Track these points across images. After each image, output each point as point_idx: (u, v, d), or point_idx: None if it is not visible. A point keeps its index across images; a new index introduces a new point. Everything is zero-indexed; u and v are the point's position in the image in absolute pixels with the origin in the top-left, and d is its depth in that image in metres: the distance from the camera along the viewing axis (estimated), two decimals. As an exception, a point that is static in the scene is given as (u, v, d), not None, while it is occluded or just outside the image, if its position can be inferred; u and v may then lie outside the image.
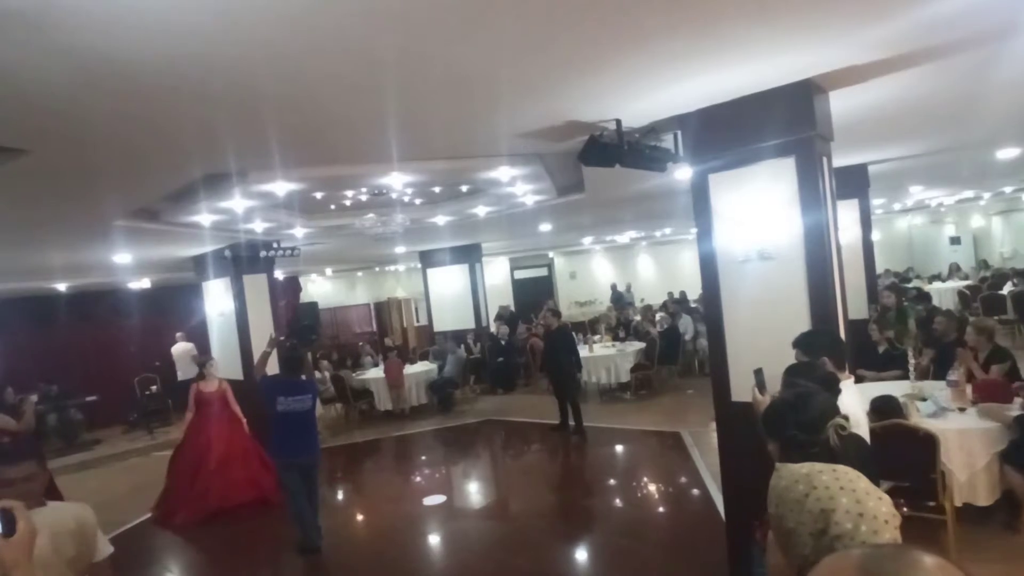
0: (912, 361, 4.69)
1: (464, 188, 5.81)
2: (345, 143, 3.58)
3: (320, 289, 16.58)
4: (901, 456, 3.39)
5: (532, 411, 8.70)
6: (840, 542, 0.93)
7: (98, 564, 1.95)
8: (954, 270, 13.77)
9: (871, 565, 0.66)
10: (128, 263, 7.50)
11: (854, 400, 2.38)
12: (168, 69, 2.20)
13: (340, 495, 6.35)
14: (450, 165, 4.40)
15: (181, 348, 10.29)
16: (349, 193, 5.27)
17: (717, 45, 2.53)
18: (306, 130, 3.21)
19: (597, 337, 9.96)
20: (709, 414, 3.75)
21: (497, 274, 16.56)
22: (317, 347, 10.96)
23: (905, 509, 1.07)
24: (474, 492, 6.22)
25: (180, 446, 6.08)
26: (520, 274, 17.84)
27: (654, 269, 18.26)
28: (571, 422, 7.31)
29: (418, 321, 16.32)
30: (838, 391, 1.83)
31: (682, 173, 4.27)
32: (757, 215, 3.24)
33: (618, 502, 5.42)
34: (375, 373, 9.51)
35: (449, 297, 11.38)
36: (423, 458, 7.49)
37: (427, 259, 11.54)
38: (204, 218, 5.09)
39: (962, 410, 3.93)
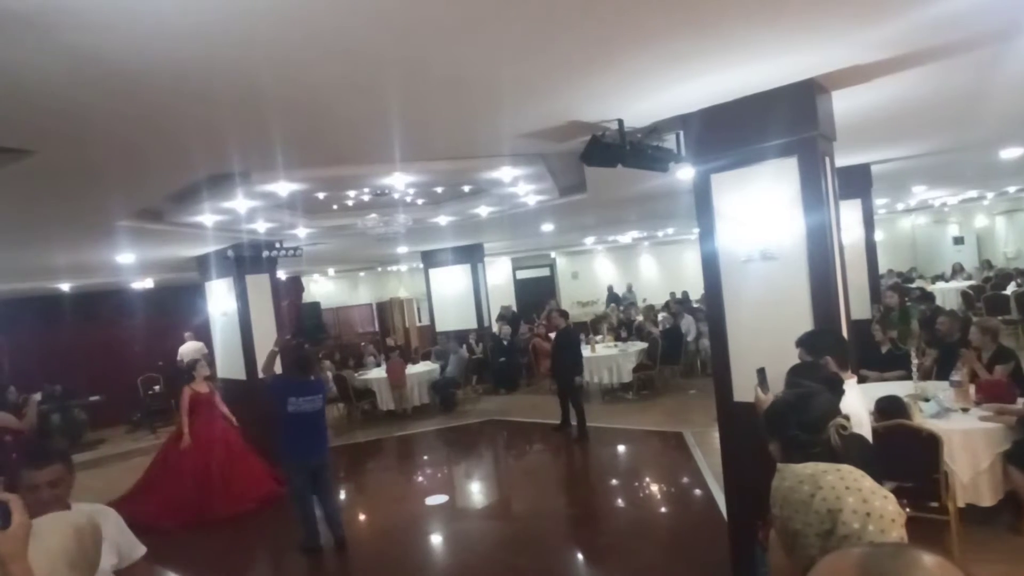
0: (915, 361, 4.68)
1: (466, 188, 5.82)
2: (347, 143, 3.59)
3: (322, 289, 16.61)
4: (904, 456, 3.38)
5: (534, 411, 8.70)
6: (848, 542, 0.93)
7: (134, 566, 1.95)
8: (957, 270, 13.73)
9: (870, 564, 0.66)
10: (131, 263, 7.52)
11: (856, 400, 2.38)
12: (171, 70, 2.21)
13: (342, 495, 6.35)
14: (452, 165, 4.40)
15: (191, 347, 10.25)
16: (352, 193, 5.28)
17: (720, 45, 2.52)
18: (308, 131, 3.22)
19: (599, 337, 9.96)
20: (711, 414, 3.75)
21: (499, 274, 16.56)
22: (323, 347, 10.99)
23: (908, 509, 1.06)
24: (476, 492, 6.23)
25: (172, 447, 6.00)
26: (522, 274, 17.85)
27: (656, 269, 18.24)
28: (573, 422, 7.31)
29: (420, 321, 16.34)
30: (842, 391, 1.82)
31: (684, 173, 4.27)
32: (759, 215, 3.24)
33: (620, 502, 5.42)
34: (377, 373, 9.53)
35: (451, 297, 11.39)
36: (425, 458, 7.49)
37: (429, 259, 11.55)
38: (207, 218, 5.10)
39: (965, 410, 3.92)
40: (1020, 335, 9.56)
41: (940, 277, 13.84)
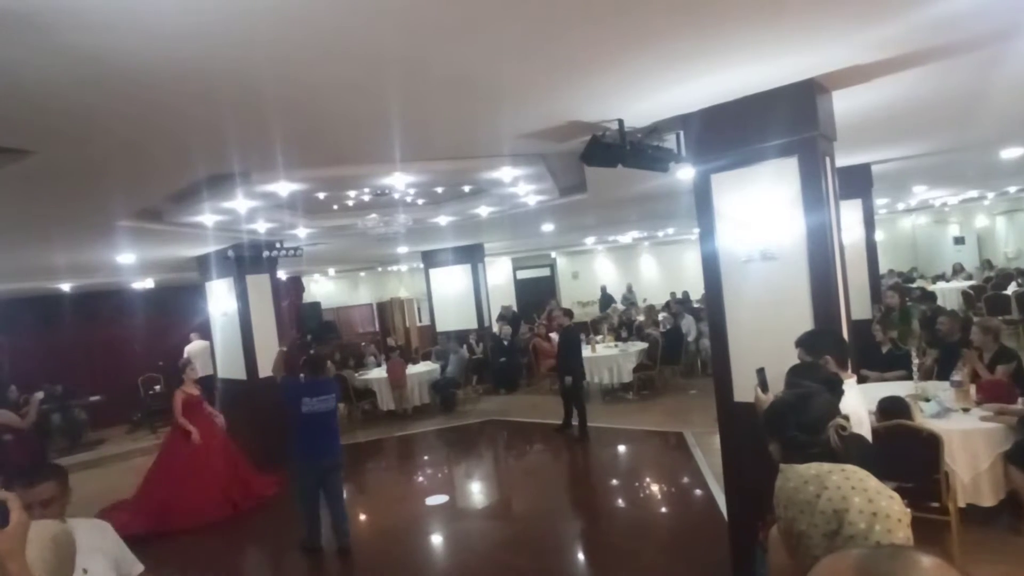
0: (916, 361, 4.67)
1: (466, 188, 5.82)
2: (348, 144, 3.59)
3: (323, 289, 16.61)
4: (904, 456, 3.38)
5: (534, 411, 8.70)
6: (854, 542, 0.93)
7: None
8: (958, 270, 13.73)
9: (869, 565, 0.66)
10: (132, 263, 7.53)
11: (856, 400, 2.38)
12: (171, 70, 2.21)
13: (343, 495, 6.35)
14: (452, 165, 4.40)
15: (197, 346, 10.19)
16: (352, 193, 5.28)
17: (720, 45, 2.52)
18: (309, 131, 3.22)
19: (599, 337, 9.95)
20: (712, 414, 3.75)
21: (499, 274, 16.56)
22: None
23: (908, 510, 1.06)
24: (476, 492, 6.22)
25: (169, 453, 5.96)
26: (522, 274, 17.85)
27: (657, 269, 18.23)
28: (574, 422, 7.31)
29: (421, 321, 16.34)
30: (841, 392, 1.82)
31: (685, 173, 4.26)
32: (760, 215, 3.24)
33: (621, 502, 5.41)
34: (378, 373, 9.53)
35: (452, 297, 11.39)
36: (425, 458, 7.49)
37: (429, 259, 11.56)
38: (207, 218, 5.10)
39: (966, 410, 3.92)
40: (1021, 335, 9.55)
41: (941, 277, 13.83)
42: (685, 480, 5.57)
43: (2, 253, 5.86)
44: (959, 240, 16.26)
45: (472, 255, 11.14)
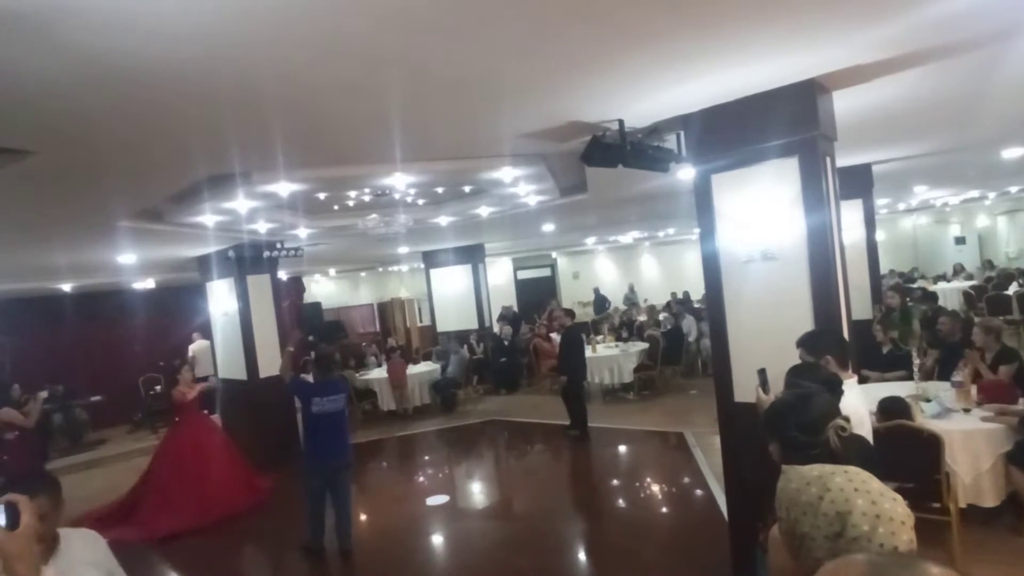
0: (916, 362, 4.67)
1: (467, 189, 5.82)
2: (348, 144, 3.59)
3: (324, 289, 16.62)
4: (905, 457, 3.37)
5: (535, 411, 8.70)
6: (857, 544, 0.92)
7: None
8: (958, 270, 13.71)
9: (879, 573, 0.66)
10: (133, 263, 7.53)
11: (857, 400, 2.37)
12: (172, 70, 2.21)
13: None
14: (453, 166, 4.40)
15: (200, 346, 10.18)
16: (352, 194, 5.28)
17: (720, 45, 2.52)
18: (309, 131, 3.22)
19: (600, 337, 9.95)
20: (712, 415, 3.74)
21: (500, 274, 16.56)
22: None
23: (912, 513, 1.06)
24: (477, 492, 6.22)
25: (165, 455, 5.95)
26: (523, 274, 17.85)
27: (657, 269, 18.23)
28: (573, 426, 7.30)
29: (421, 321, 16.34)
30: (841, 392, 1.82)
31: (685, 173, 4.26)
32: (760, 215, 3.24)
33: (621, 503, 5.41)
34: (378, 373, 9.53)
35: (452, 297, 11.40)
36: (426, 458, 7.49)
37: (430, 259, 11.56)
38: (208, 219, 5.10)
39: (967, 411, 3.91)
40: (1022, 335, 9.54)
41: (942, 277, 13.82)
42: (685, 480, 5.56)
43: (3, 253, 5.87)
44: (960, 240, 16.25)
45: (473, 255, 11.14)
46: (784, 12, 2.26)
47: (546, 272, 18.26)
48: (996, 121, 4.89)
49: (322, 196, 5.24)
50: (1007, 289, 10.91)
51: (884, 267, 10.22)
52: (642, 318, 11.70)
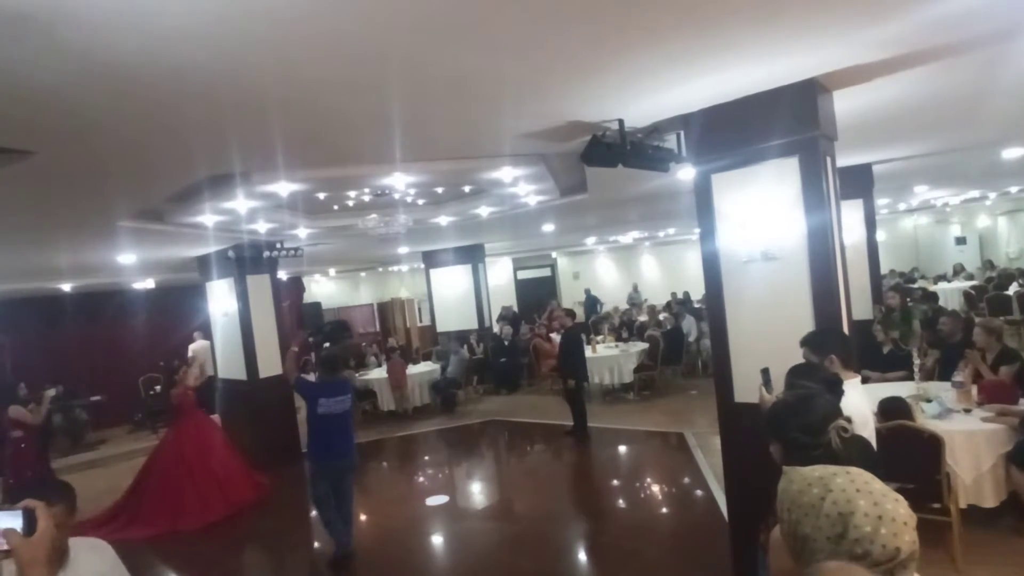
0: (917, 362, 4.67)
1: (467, 189, 5.81)
2: (348, 144, 3.59)
3: (324, 289, 16.62)
4: (906, 457, 3.37)
5: (535, 412, 8.70)
6: (860, 545, 0.92)
7: None
8: (959, 270, 13.71)
9: None
10: (133, 264, 7.53)
11: (861, 400, 2.37)
12: (173, 71, 2.21)
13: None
14: (453, 166, 4.40)
15: (200, 346, 10.20)
16: (352, 194, 5.27)
17: (721, 45, 2.52)
18: (309, 131, 3.22)
19: (600, 337, 9.95)
20: (712, 415, 3.74)
21: (500, 274, 16.56)
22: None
23: (914, 514, 1.04)
24: (477, 493, 6.22)
25: (166, 454, 5.94)
26: (523, 274, 17.85)
27: (658, 269, 18.23)
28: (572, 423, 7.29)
29: (421, 321, 16.34)
30: (841, 392, 1.82)
31: (685, 173, 4.26)
32: (760, 215, 3.23)
33: (621, 503, 5.41)
34: (378, 373, 9.53)
35: (452, 297, 11.39)
36: (426, 458, 7.49)
37: (430, 259, 11.56)
38: (208, 219, 5.10)
39: (967, 411, 3.91)
40: (1022, 335, 9.53)
41: (942, 277, 13.82)
42: (686, 481, 5.56)
43: (3, 253, 5.87)
44: (961, 240, 16.24)
45: (473, 255, 11.14)
46: (784, 12, 2.26)
47: (546, 272, 18.26)
48: (996, 121, 4.89)
49: (322, 196, 5.24)
50: (1007, 289, 10.90)
51: (884, 267, 10.22)
52: (642, 318, 11.69)
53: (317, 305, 15.59)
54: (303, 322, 13.54)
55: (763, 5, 2.19)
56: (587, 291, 16.37)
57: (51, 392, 7.01)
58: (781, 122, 3.11)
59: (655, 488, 5.63)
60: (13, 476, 6.28)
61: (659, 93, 3.07)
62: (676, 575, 3.92)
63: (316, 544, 5.19)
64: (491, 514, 5.45)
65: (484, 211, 6.62)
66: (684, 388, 9.19)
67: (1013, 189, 12.47)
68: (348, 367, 9.87)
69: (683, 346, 9.66)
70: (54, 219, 4.64)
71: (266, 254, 6.60)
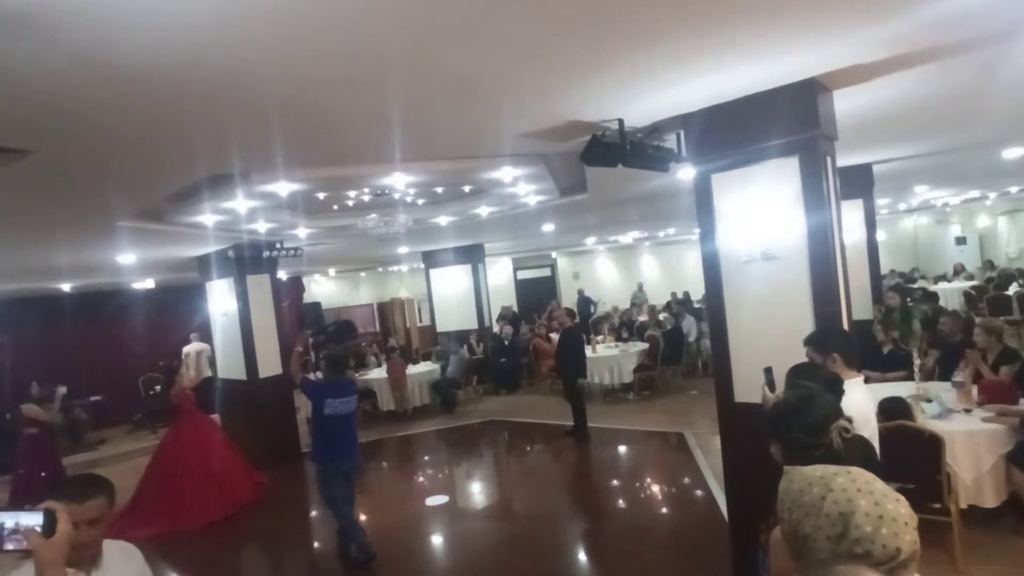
0: (917, 362, 4.66)
1: (467, 188, 5.81)
2: (348, 144, 3.58)
3: (323, 289, 16.62)
4: (906, 458, 3.36)
5: (535, 412, 8.69)
6: (860, 545, 0.92)
7: None
8: (959, 270, 13.71)
9: None
10: (132, 263, 7.53)
11: (864, 399, 2.37)
12: (173, 70, 2.20)
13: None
14: (453, 165, 4.39)
15: (195, 347, 10.21)
16: (352, 193, 5.27)
17: (721, 45, 2.51)
18: (310, 131, 3.22)
19: (600, 337, 9.95)
20: (712, 415, 3.73)
21: (500, 274, 16.56)
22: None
23: (915, 514, 1.04)
24: (477, 493, 6.22)
25: (167, 453, 5.94)
26: (523, 274, 17.85)
27: (658, 269, 18.23)
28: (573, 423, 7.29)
29: (421, 321, 16.34)
30: (841, 392, 1.81)
31: (685, 173, 4.26)
32: (760, 215, 3.23)
33: (621, 503, 5.40)
34: (378, 373, 9.52)
35: (452, 297, 11.39)
36: (426, 458, 7.48)
37: (430, 259, 11.56)
38: (208, 218, 5.10)
39: (968, 411, 3.90)
40: (1022, 335, 9.53)
41: (942, 277, 13.82)
42: (686, 481, 5.55)
43: (3, 253, 5.87)
44: (961, 240, 16.24)
45: (473, 255, 11.14)
46: (784, 11, 2.25)
47: (546, 272, 18.26)
48: (996, 121, 4.89)
49: (322, 196, 5.24)
50: (1007, 289, 10.90)
51: (885, 267, 10.21)
52: (642, 318, 11.69)
53: (317, 305, 15.59)
54: (304, 322, 13.54)
55: (763, 5, 2.19)
56: (580, 291, 16.37)
57: (63, 390, 7.07)
58: (781, 122, 3.10)
59: (655, 488, 5.63)
60: (28, 472, 6.35)
61: (659, 93, 3.07)
62: (676, 575, 3.91)
63: (316, 544, 5.21)
64: (491, 514, 5.45)
65: (484, 211, 6.62)
66: (684, 388, 9.19)
67: (1013, 189, 12.47)
68: (349, 367, 9.87)
69: (683, 346, 9.66)
70: (53, 219, 4.64)
71: (266, 254, 6.60)
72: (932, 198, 12.85)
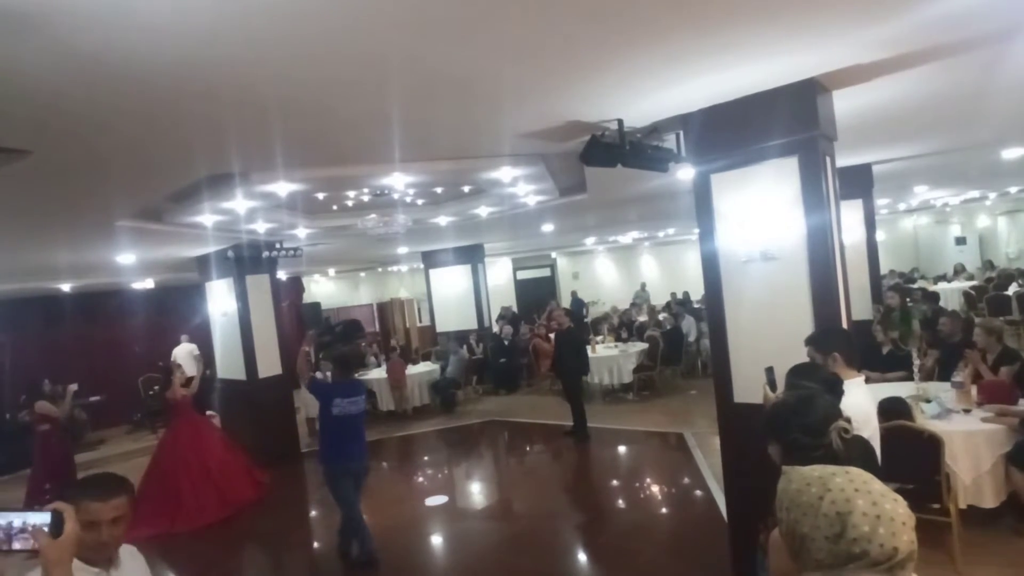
0: (917, 362, 4.66)
1: (466, 189, 5.81)
2: (348, 144, 3.58)
3: (323, 290, 16.61)
4: (905, 458, 3.36)
5: (535, 412, 8.69)
6: (858, 545, 0.92)
7: None
8: (959, 271, 13.71)
9: None
10: (132, 263, 7.53)
11: (864, 398, 2.37)
12: (173, 70, 2.20)
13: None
14: (452, 166, 4.39)
15: (184, 349, 10.24)
16: (351, 194, 5.27)
17: (721, 45, 2.51)
18: (309, 131, 3.22)
19: (600, 338, 9.95)
20: (712, 415, 3.74)
21: (500, 274, 16.57)
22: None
23: (913, 514, 1.04)
24: (476, 493, 6.22)
25: (165, 455, 5.93)
26: (523, 274, 17.85)
27: (657, 270, 18.23)
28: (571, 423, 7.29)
29: (421, 321, 16.34)
30: (841, 392, 1.81)
31: (684, 173, 4.25)
32: (760, 215, 3.23)
33: (621, 503, 5.40)
34: (378, 373, 9.52)
35: (452, 297, 11.39)
36: (425, 459, 7.48)
37: (430, 260, 11.56)
38: (207, 219, 5.10)
39: (967, 412, 3.90)
40: (1022, 335, 9.53)
41: (942, 278, 13.82)
42: (685, 481, 5.55)
43: (3, 253, 5.87)
44: (960, 240, 16.25)
45: (472, 255, 11.14)
46: (784, 12, 2.25)
47: (546, 272, 18.27)
48: (996, 121, 4.89)
49: (321, 196, 5.24)
50: (1007, 289, 10.90)
51: (884, 267, 10.22)
52: (642, 318, 11.69)
53: (317, 305, 15.58)
54: (306, 322, 13.52)
55: (763, 5, 2.19)
56: (573, 293, 16.36)
57: (74, 387, 7.12)
58: (780, 122, 3.10)
59: (654, 488, 5.63)
60: (42, 469, 6.39)
61: (658, 93, 3.07)
62: (675, 575, 3.91)
63: (316, 544, 5.21)
64: (491, 514, 5.45)
65: (483, 211, 6.62)
66: (684, 388, 9.19)
67: (1013, 189, 12.48)
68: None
69: (683, 346, 9.65)
70: (53, 219, 4.64)
71: (265, 254, 6.59)
72: (932, 198, 12.86)
